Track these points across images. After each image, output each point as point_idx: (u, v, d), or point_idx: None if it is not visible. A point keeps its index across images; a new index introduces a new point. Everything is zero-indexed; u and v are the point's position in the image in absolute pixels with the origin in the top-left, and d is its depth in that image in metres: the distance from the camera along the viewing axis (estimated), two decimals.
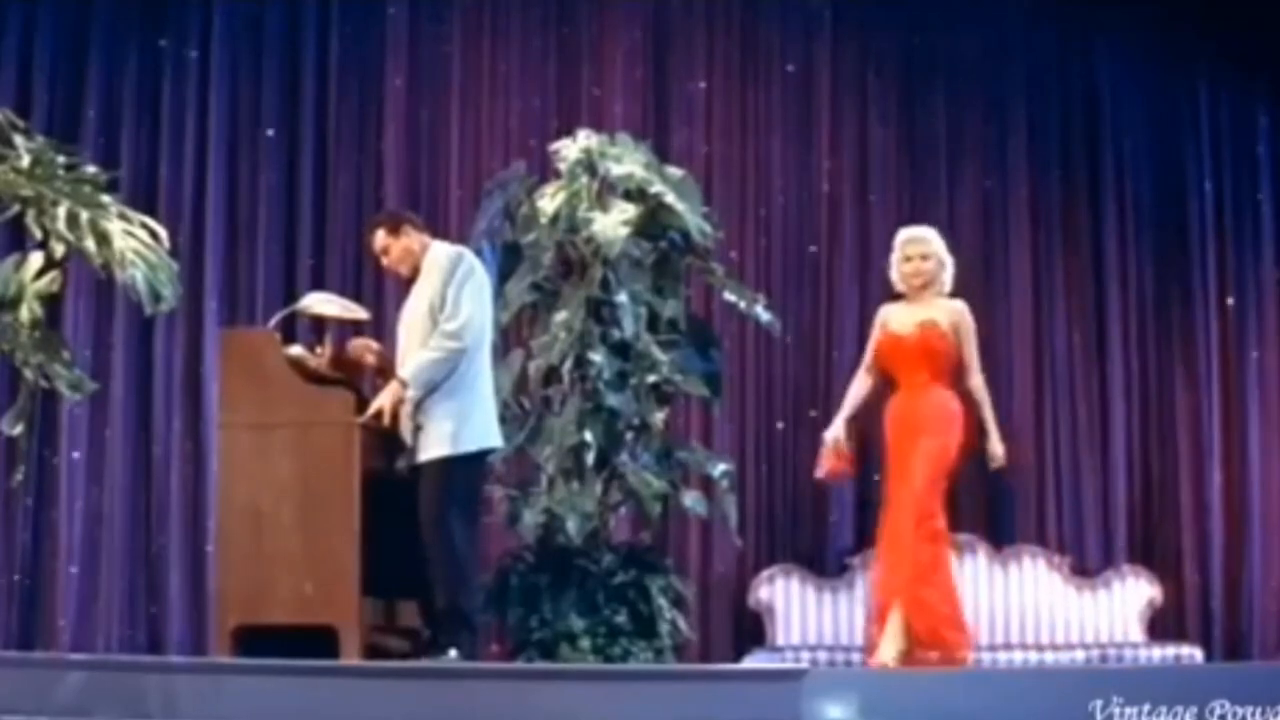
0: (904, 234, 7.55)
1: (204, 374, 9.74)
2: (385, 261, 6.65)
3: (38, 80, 9.97)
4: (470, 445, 6.38)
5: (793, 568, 9.87)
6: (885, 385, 7.50)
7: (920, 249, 7.44)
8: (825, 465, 7.43)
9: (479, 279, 6.52)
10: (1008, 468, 9.98)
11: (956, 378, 7.35)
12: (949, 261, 7.43)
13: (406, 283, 6.69)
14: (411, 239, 6.58)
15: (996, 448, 7.31)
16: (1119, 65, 10.50)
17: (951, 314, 7.35)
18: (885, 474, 7.42)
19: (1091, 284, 10.34)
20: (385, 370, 6.67)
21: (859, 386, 7.48)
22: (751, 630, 9.81)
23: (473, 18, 10.35)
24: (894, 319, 7.44)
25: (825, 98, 10.40)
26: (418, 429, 6.37)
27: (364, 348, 6.81)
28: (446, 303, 6.39)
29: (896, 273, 7.47)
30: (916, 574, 7.06)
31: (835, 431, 7.40)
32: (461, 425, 6.34)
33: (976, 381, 7.32)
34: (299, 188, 10.12)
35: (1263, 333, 10.32)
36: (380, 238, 6.61)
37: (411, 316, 6.52)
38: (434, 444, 6.34)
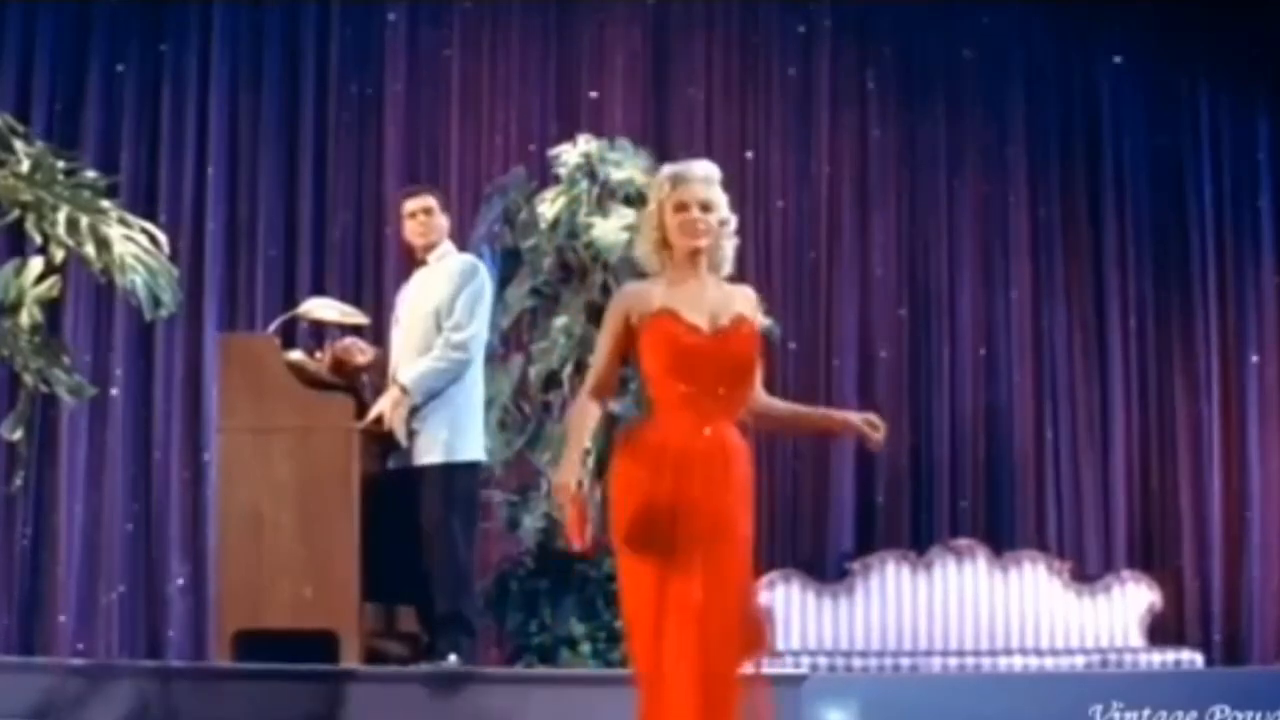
0: (677, 168, 4.59)
1: (204, 379, 9.74)
2: (410, 224, 6.57)
3: (38, 85, 9.99)
4: (466, 454, 6.38)
5: (792, 573, 9.86)
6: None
7: (711, 194, 4.55)
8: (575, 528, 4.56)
9: (488, 293, 6.57)
10: (1008, 472, 10.17)
11: None
12: (734, 223, 4.64)
13: (406, 271, 6.69)
14: (444, 223, 6.60)
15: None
16: (1119, 69, 10.50)
17: (754, 304, 4.65)
18: (673, 565, 4.35)
19: (1091, 288, 10.34)
20: (370, 369, 6.67)
21: (593, 413, 4.63)
22: None
23: (472, 23, 10.36)
24: (682, 305, 4.50)
25: (825, 103, 10.41)
26: (413, 434, 6.36)
27: (353, 347, 6.79)
28: (456, 312, 6.38)
29: (665, 233, 4.56)
30: None
31: (572, 478, 4.53)
32: (456, 434, 6.33)
33: (769, 400, 4.69)
34: (299, 192, 10.12)
35: (1262, 337, 10.31)
36: (429, 202, 6.58)
37: (412, 315, 6.50)
38: (430, 450, 6.33)
